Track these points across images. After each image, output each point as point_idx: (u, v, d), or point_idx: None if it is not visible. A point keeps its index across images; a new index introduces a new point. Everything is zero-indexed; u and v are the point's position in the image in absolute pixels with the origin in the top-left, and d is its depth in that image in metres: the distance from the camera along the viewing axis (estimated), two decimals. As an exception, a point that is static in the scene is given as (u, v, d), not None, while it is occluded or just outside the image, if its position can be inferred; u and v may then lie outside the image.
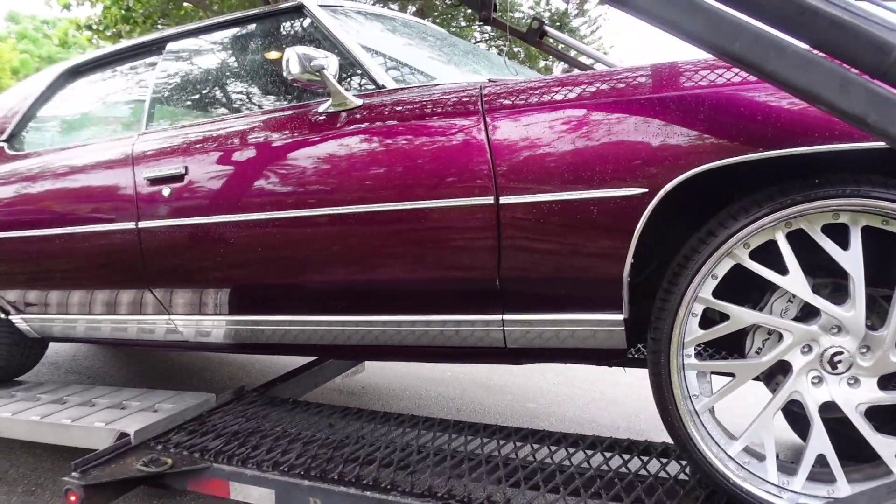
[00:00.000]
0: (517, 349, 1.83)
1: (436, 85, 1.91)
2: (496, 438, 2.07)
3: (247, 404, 2.47)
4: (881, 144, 1.31)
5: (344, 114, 1.94)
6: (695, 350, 1.62)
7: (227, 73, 2.40)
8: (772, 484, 1.57)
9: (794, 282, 1.51)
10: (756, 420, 1.59)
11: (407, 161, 1.78)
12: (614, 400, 3.65)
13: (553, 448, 1.98)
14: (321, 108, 1.99)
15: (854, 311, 1.48)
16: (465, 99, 1.78)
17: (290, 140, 1.99)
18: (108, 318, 2.44)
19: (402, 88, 1.94)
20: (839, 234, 1.47)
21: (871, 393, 1.51)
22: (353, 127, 1.89)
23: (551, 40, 3.12)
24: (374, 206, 1.81)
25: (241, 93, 2.31)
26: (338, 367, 3.07)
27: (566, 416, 3.38)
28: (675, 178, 1.50)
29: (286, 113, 2.09)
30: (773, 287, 1.58)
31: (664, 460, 1.91)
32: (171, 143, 2.25)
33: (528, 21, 2.87)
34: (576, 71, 2.77)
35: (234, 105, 2.31)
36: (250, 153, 2.05)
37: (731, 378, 1.62)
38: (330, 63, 1.83)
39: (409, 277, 1.83)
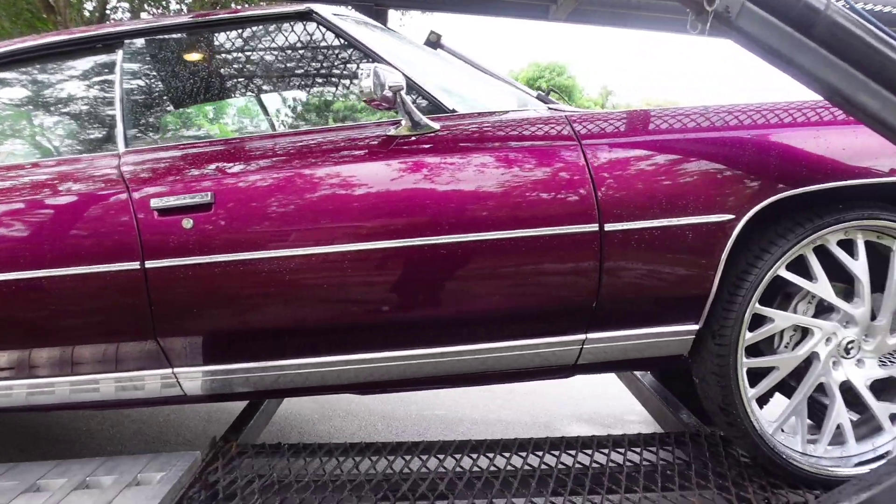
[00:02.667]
0: (583, 364, 1.98)
1: (505, 112, 1.97)
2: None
3: (236, 456, 2.27)
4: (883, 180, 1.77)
5: (421, 138, 1.88)
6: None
7: (226, 82, 2.16)
8: (798, 452, 1.94)
9: (822, 287, 1.89)
10: (791, 404, 1.94)
11: (504, 189, 1.80)
12: (509, 398, 3.89)
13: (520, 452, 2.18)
14: (392, 131, 1.90)
15: (863, 307, 1.90)
16: (558, 128, 1.88)
17: (358, 164, 1.87)
18: (70, 379, 2.04)
19: (477, 114, 1.95)
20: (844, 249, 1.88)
21: (873, 370, 1.95)
22: (437, 154, 1.85)
23: (446, 53, 3.23)
24: (469, 236, 1.79)
25: (251, 106, 2.10)
26: (276, 402, 2.91)
27: (476, 418, 3.55)
28: (756, 206, 1.79)
29: (345, 134, 1.95)
30: (797, 292, 1.95)
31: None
32: (185, 165, 1.95)
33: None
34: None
35: (253, 121, 2.09)
36: (307, 178, 1.87)
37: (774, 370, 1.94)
38: (403, 84, 1.79)
39: (503, 306, 1.86)
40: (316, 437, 3.27)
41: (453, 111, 1.95)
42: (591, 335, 1.90)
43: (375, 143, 1.90)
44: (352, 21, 2.09)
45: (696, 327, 1.88)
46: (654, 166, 1.81)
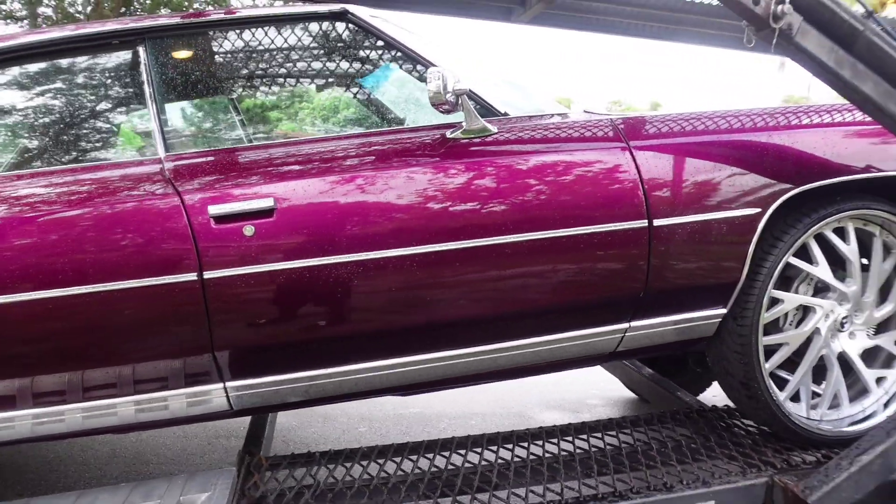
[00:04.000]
0: (621, 351, 2.14)
1: (551, 115, 2.07)
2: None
3: (269, 469, 2.24)
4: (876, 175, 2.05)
5: (480, 140, 1.94)
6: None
7: (258, 82, 2.10)
8: (805, 417, 2.18)
9: (823, 270, 2.14)
10: (798, 375, 2.18)
11: (562, 189, 1.91)
12: (475, 391, 3.98)
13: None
14: (451, 134, 1.95)
15: (855, 286, 2.16)
16: (606, 131, 2.00)
17: (420, 166, 1.90)
18: (110, 402, 1.94)
19: (527, 117, 2.04)
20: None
21: (863, 341, 2.23)
22: (498, 156, 1.92)
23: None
24: (531, 235, 1.87)
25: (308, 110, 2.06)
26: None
27: (452, 413, 3.64)
28: (778, 200, 2.00)
29: (403, 136, 1.98)
30: (797, 276, 2.18)
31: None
32: (240, 170, 1.91)
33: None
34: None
35: (303, 124, 2.05)
36: (369, 180, 1.87)
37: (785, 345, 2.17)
38: (467, 88, 1.83)
39: (559, 301, 1.97)
40: (302, 445, 3.23)
41: (505, 114, 2.04)
42: (633, 323, 2.05)
43: (436, 144, 1.96)
44: (391, 23, 2.12)
45: (723, 311, 2.08)
46: (694, 166, 1.98)
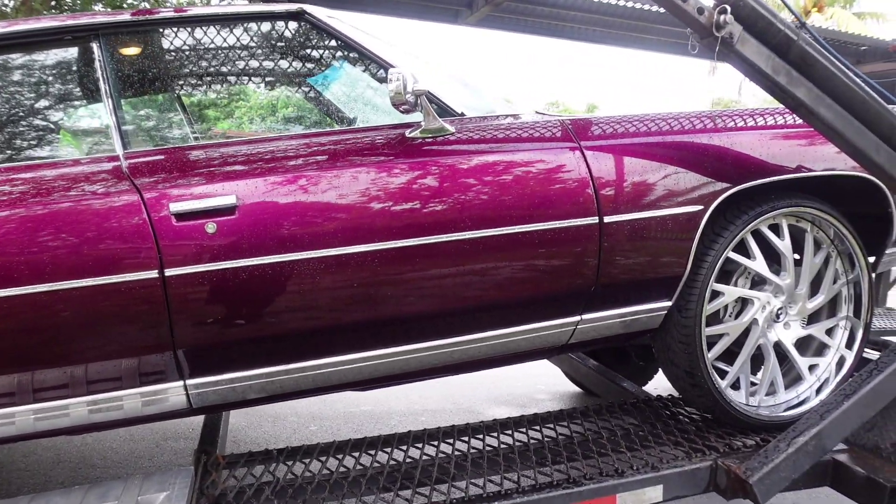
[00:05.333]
0: (572, 344, 2.22)
1: (505, 116, 2.12)
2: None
3: (227, 467, 2.24)
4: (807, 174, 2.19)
5: (438, 140, 1.99)
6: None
7: (213, 80, 2.09)
8: (744, 404, 2.31)
9: (759, 265, 2.27)
10: (737, 364, 2.30)
11: (518, 188, 1.97)
12: (425, 388, 4.02)
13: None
14: (410, 133, 1.98)
15: (789, 279, 2.30)
16: (558, 132, 2.08)
17: (382, 165, 1.93)
18: (69, 402, 1.91)
19: (481, 118, 2.09)
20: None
21: (797, 331, 2.37)
22: (455, 155, 1.97)
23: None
24: (487, 232, 1.93)
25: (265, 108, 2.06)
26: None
27: (402, 410, 3.68)
28: (719, 198, 2.11)
29: (362, 135, 2.01)
30: (735, 270, 2.31)
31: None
32: (201, 168, 1.90)
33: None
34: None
35: (265, 121, 2.04)
36: (332, 179, 1.89)
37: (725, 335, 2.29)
38: (426, 88, 1.87)
39: (514, 296, 2.03)
40: (253, 445, 3.23)
41: (462, 114, 2.09)
42: (584, 316, 2.13)
43: (395, 143, 1.99)
44: (347, 24, 2.14)
45: (669, 304, 2.18)
46: (641, 165, 2.08)
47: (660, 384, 3.16)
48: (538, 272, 2.03)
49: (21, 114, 2.10)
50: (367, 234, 1.89)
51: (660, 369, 3.53)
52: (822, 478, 2.18)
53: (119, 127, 1.95)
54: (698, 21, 1.69)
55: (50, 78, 2.12)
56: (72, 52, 2.09)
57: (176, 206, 1.82)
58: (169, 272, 1.81)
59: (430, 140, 2.00)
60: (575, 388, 4.01)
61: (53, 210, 1.80)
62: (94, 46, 2.02)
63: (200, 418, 2.61)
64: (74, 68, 2.11)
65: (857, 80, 1.83)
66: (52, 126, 2.17)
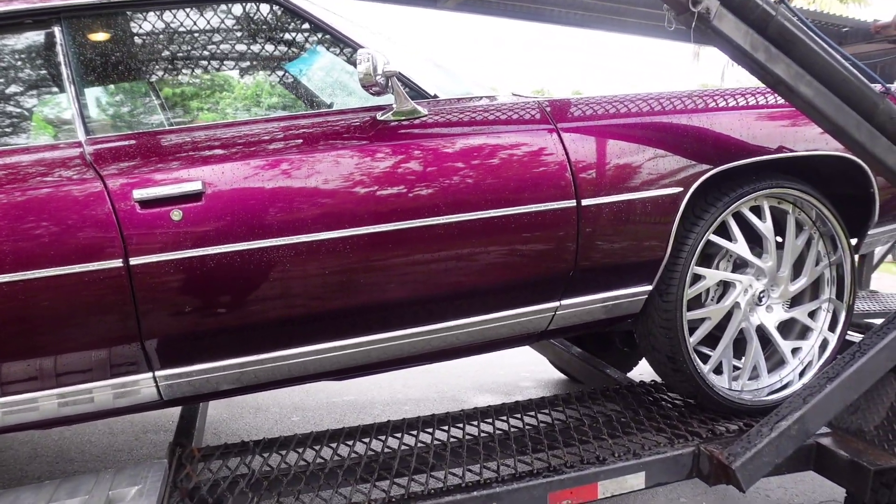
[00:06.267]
0: (552, 330, 2.18)
1: (480, 98, 2.08)
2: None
3: (202, 460, 2.20)
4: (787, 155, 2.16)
5: (409, 122, 1.94)
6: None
7: (183, 63, 2.03)
8: (727, 388, 2.29)
9: (741, 247, 2.23)
10: (719, 348, 2.27)
11: (493, 171, 1.92)
12: (409, 377, 4.00)
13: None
14: (381, 116, 1.93)
15: (770, 261, 2.27)
16: (535, 113, 2.03)
17: (352, 149, 1.88)
18: (37, 395, 1.85)
19: (456, 99, 2.04)
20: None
21: (780, 314, 2.34)
22: (427, 138, 1.92)
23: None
24: (463, 216, 1.89)
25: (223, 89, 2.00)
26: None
27: (385, 399, 3.65)
28: (699, 180, 2.07)
29: (333, 118, 1.95)
30: (717, 253, 2.27)
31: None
32: (166, 154, 1.84)
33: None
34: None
35: (213, 104, 1.98)
36: (300, 163, 1.84)
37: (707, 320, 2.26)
38: (397, 70, 1.83)
39: (492, 281, 1.99)
40: (234, 437, 3.17)
41: (435, 96, 2.04)
42: (563, 301, 2.10)
43: (365, 127, 1.94)
44: (318, 6, 2.08)
45: (649, 288, 2.15)
46: (619, 147, 2.04)
47: (645, 370, 3.15)
48: (515, 257, 1.99)
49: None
50: (338, 219, 1.84)
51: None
52: (806, 462, 2.15)
53: (81, 113, 1.89)
54: (674, -4, 1.64)
55: (9, 63, 2.05)
56: (33, 37, 2.02)
57: (139, 193, 1.76)
58: (134, 261, 1.76)
59: (401, 123, 1.95)
60: (560, 376, 3.99)
61: (13, 199, 1.75)
62: (56, 30, 1.96)
63: (178, 410, 2.57)
64: (35, 53, 2.04)
65: (837, 56, 1.79)
66: (16, 113, 2.10)
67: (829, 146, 2.19)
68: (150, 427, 3.32)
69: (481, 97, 2.12)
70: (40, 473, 2.82)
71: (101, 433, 3.23)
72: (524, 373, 4.13)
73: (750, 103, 2.23)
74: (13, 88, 2.06)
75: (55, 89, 2.05)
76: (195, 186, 1.78)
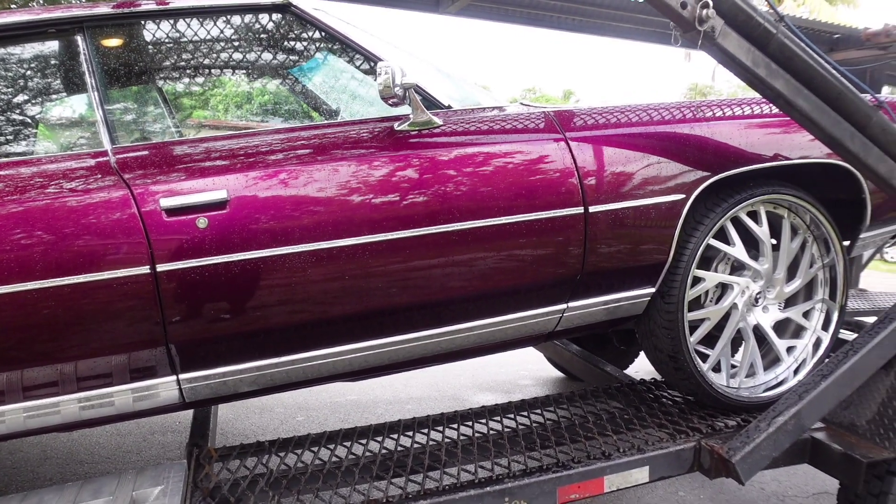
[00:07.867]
0: (559, 331, 2.26)
1: (492, 108, 2.15)
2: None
3: (219, 460, 2.26)
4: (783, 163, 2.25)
5: (426, 132, 2.00)
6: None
7: (198, 73, 2.08)
8: (725, 386, 2.38)
9: (739, 251, 2.33)
10: (718, 347, 2.37)
11: (505, 179, 1.99)
12: (409, 376, 4.08)
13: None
14: (399, 126, 1.99)
15: (767, 264, 2.37)
16: (544, 123, 2.10)
17: (372, 158, 1.94)
18: (60, 399, 1.90)
19: (469, 110, 2.11)
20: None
21: (775, 314, 2.44)
22: (444, 147, 1.98)
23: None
24: (478, 223, 1.96)
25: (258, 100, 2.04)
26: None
27: (388, 398, 3.71)
28: (700, 186, 2.16)
29: (352, 128, 2.01)
30: (715, 256, 2.37)
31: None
32: (191, 162, 1.89)
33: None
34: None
35: (256, 114, 2.03)
36: (321, 172, 1.90)
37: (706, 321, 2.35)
38: (415, 82, 1.89)
39: (504, 285, 2.06)
40: (241, 437, 3.24)
41: (448, 107, 2.11)
42: (571, 304, 2.18)
43: (384, 136, 2.00)
44: (333, 16, 2.14)
45: (652, 290, 2.23)
46: (624, 155, 2.12)
47: (641, 367, 3.24)
48: (526, 262, 2.06)
49: (5, 109, 2.08)
50: (358, 227, 1.90)
51: (640, 353, 3.65)
52: (801, 455, 2.25)
53: (106, 121, 1.94)
54: (681, 15, 1.72)
55: (33, 72, 2.10)
56: (56, 46, 2.06)
57: (166, 202, 1.82)
58: (160, 267, 1.81)
59: (418, 133, 2.02)
60: (558, 374, 4.07)
61: (42, 207, 1.80)
62: (79, 39, 2.01)
63: (188, 412, 2.62)
64: (58, 62, 2.09)
65: (834, 71, 1.88)
66: (37, 122, 2.15)
67: (822, 153, 2.29)
68: (157, 429, 3.37)
69: (492, 108, 2.19)
70: (52, 475, 2.86)
71: (110, 435, 3.27)
72: (523, 371, 4.21)
73: (747, 112, 2.32)
74: (39, 98, 2.10)
75: (80, 99, 2.09)
76: (220, 195, 1.84)
